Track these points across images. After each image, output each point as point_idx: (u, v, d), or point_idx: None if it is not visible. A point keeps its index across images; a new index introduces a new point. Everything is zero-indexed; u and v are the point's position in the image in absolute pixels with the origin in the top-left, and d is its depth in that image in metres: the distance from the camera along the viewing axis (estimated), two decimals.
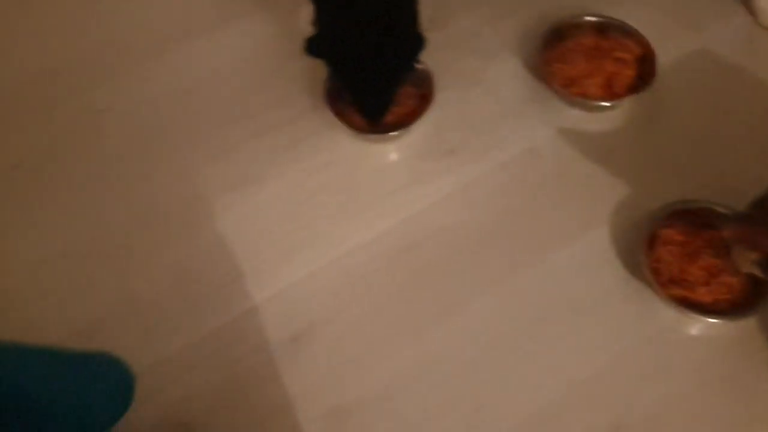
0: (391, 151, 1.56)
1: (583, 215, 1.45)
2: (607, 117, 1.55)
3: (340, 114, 1.53)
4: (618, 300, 1.36)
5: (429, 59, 1.55)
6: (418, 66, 1.55)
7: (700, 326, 1.32)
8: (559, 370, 1.30)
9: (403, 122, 1.52)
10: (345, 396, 1.30)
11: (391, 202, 1.49)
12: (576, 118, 1.56)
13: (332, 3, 1.34)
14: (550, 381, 1.29)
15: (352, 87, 1.46)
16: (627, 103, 1.53)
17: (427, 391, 1.30)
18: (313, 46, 1.39)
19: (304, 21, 1.44)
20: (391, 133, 1.51)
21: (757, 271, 1.16)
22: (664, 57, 1.54)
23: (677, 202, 1.37)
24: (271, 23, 1.77)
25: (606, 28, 1.57)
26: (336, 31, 1.37)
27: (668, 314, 1.33)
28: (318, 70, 1.55)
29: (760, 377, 1.27)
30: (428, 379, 1.31)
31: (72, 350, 1.10)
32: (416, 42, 1.43)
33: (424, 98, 1.55)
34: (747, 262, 1.18)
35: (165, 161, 1.57)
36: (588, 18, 1.58)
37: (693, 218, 1.36)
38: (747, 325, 1.31)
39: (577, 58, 1.55)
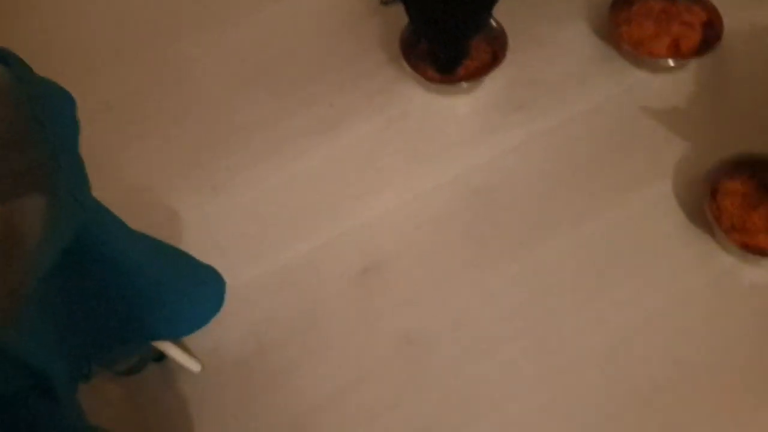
0: (463, 104, 1.65)
1: (647, 168, 1.52)
2: (672, 78, 1.61)
3: (415, 66, 1.62)
4: (680, 245, 1.42)
5: (503, 20, 1.64)
6: (493, 24, 1.64)
7: (759, 272, 1.38)
8: (625, 308, 1.37)
9: (475, 76, 1.61)
10: (413, 323, 1.39)
11: (462, 149, 1.58)
12: (642, 78, 1.63)
13: None
14: (615, 318, 1.36)
15: (428, 35, 1.55)
16: (692, 65, 1.60)
17: (493, 323, 1.38)
18: None
19: None
20: (463, 84, 1.60)
21: None
22: (731, 24, 1.60)
23: (740, 155, 1.43)
24: None
25: None
26: None
27: (728, 260, 1.39)
28: (391, 25, 1.65)
29: None
30: (495, 312, 1.39)
31: (181, 250, 1.20)
32: None
33: (495, 55, 1.63)
34: None
35: (248, 109, 1.67)
36: None
37: (754, 170, 1.42)
38: None
39: (645, 20, 1.62)
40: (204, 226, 1.52)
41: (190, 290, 1.14)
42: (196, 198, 1.55)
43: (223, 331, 1.37)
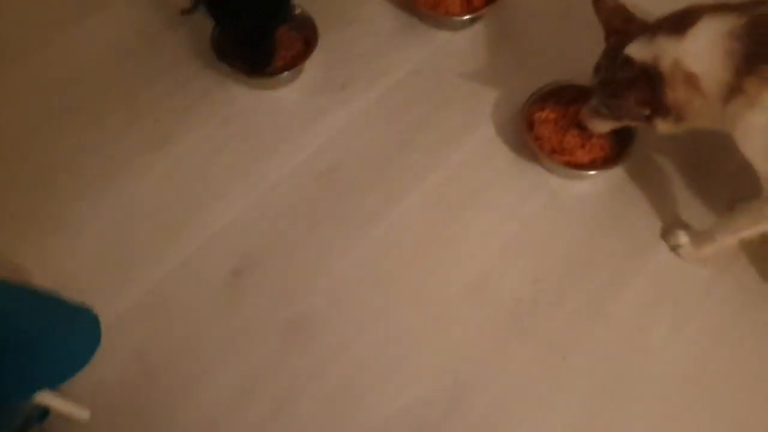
0: (288, 93, 1.68)
1: (469, 116, 1.65)
2: (472, 31, 1.76)
3: (233, 66, 1.63)
4: (514, 176, 1.57)
5: (308, 6, 1.70)
6: (299, 12, 1.69)
7: (583, 184, 1.56)
8: (480, 243, 1.49)
9: (293, 65, 1.65)
10: (295, 311, 1.42)
11: (298, 137, 1.62)
12: (446, 38, 1.75)
13: None
14: (473, 254, 1.48)
15: (235, 34, 1.58)
16: (487, 15, 1.75)
17: (371, 290, 1.44)
18: None
19: None
20: (283, 75, 1.64)
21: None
22: None
23: (544, 86, 1.60)
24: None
25: None
26: None
27: (555, 181, 1.56)
28: (200, 31, 1.65)
29: (636, 215, 1.52)
30: (371, 278, 1.45)
31: (52, 293, 1.13)
32: None
33: (308, 42, 1.68)
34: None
35: (68, 141, 1.60)
36: None
37: (559, 98, 1.59)
38: (618, 174, 1.56)
39: None
40: (53, 272, 1.43)
41: (63, 332, 1.09)
42: (37, 245, 1.47)
43: (105, 367, 1.31)
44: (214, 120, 1.64)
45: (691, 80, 1.20)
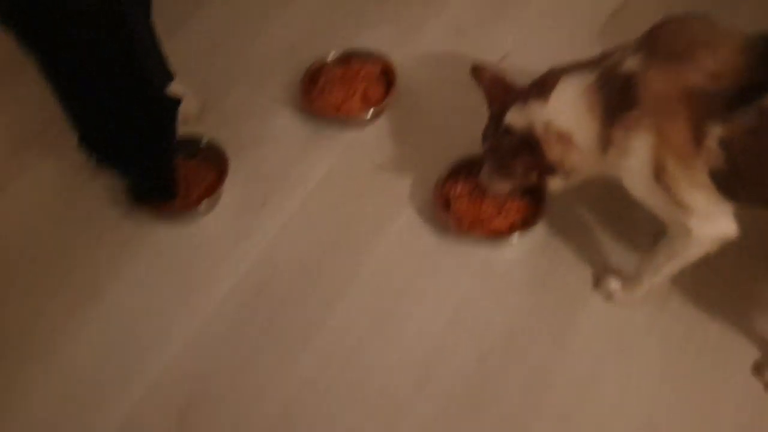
0: (210, 222, 1.70)
1: (389, 207, 1.68)
2: (377, 126, 1.81)
3: (147, 207, 1.67)
4: (442, 257, 1.58)
5: (216, 133, 1.76)
6: (206, 142, 1.74)
7: (510, 250, 1.58)
8: (420, 331, 1.49)
9: (209, 194, 1.69)
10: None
11: (227, 262, 1.63)
12: (353, 136, 1.80)
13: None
14: (415, 344, 1.47)
15: (129, 173, 1.62)
16: (387, 107, 1.80)
17: (320, 402, 1.43)
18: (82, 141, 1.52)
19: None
20: (200, 206, 1.67)
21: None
22: (401, 61, 1.84)
23: (454, 162, 1.64)
24: (59, 159, 1.87)
25: (348, 57, 1.86)
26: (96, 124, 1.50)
27: (483, 252, 1.58)
28: (115, 182, 1.69)
29: (566, 270, 1.53)
30: (317, 391, 1.44)
31: None
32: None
33: (220, 169, 1.72)
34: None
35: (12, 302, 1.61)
36: (330, 56, 1.87)
37: (470, 170, 1.62)
38: (541, 232, 1.58)
39: (333, 87, 1.82)
40: None
41: None
42: None
43: None
44: (142, 263, 1.65)
45: (563, 139, 1.24)
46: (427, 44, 1.96)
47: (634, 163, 1.16)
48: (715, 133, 1.07)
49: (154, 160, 1.57)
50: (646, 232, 1.52)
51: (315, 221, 1.68)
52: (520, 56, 1.88)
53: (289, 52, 1.97)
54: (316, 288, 1.57)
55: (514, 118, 1.30)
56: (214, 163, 1.73)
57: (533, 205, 1.57)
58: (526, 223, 1.55)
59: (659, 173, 1.14)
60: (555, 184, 1.33)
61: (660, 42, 1.14)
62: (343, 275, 1.58)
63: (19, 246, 1.71)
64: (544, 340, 1.45)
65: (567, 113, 1.22)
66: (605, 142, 1.19)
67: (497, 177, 1.43)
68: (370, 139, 1.80)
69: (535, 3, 2.02)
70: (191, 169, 1.70)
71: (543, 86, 1.25)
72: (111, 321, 1.57)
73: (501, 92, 1.38)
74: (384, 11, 2.04)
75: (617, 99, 1.15)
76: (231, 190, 1.72)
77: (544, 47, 1.87)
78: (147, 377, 1.48)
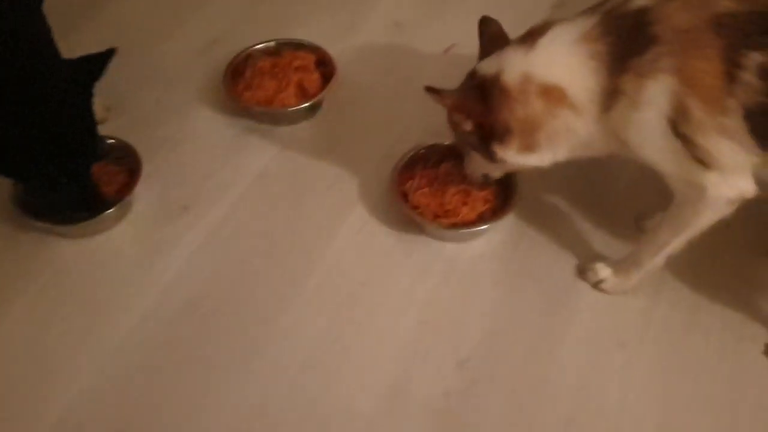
0: (121, 232, 1.42)
1: (337, 206, 1.45)
2: (313, 121, 1.60)
3: (44, 220, 1.36)
4: (403, 257, 1.37)
5: (125, 134, 1.49)
6: (112, 142, 1.46)
7: (480, 242, 1.38)
8: (386, 342, 1.26)
9: (118, 198, 1.41)
10: None
11: (143, 277, 1.35)
12: (288, 132, 1.58)
13: None
14: (381, 357, 1.24)
15: (39, 184, 1.32)
16: (324, 101, 1.60)
17: (279, 417, 1.17)
18: None
19: None
20: (107, 214, 1.38)
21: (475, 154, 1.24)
22: (337, 55, 1.64)
23: (406, 154, 1.44)
24: None
25: (278, 49, 1.65)
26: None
27: (450, 247, 1.38)
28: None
29: (546, 261, 1.35)
30: (274, 411, 1.18)
31: None
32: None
33: (131, 171, 1.45)
34: (473, 164, 1.28)
35: None
36: (257, 47, 1.65)
37: (426, 161, 1.44)
38: (513, 224, 1.40)
39: (263, 80, 1.59)
40: None
41: None
42: None
43: None
44: (38, 284, 1.34)
45: (551, 94, 1.06)
46: (364, 37, 1.79)
47: (648, 115, 1.00)
48: (754, 61, 0.93)
49: (68, 161, 1.28)
50: (625, 216, 1.38)
51: (247, 227, 1.43)
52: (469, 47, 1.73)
53: (209, 48, 1.74)
54: (256, 301, 1.32)
55: (485, 65, 1.13)
56: (123, 165, 1.46)
57: (502, 194, 1.39)
58: (495, 213, 1.36)
59: (680, 123, 0.98)
60: (504, 154, 1.14)
61: None
62: (287, 284, 1.34)
63: None
64: (531, 340, 1.24)
65: (558, 64, 1.05)
66: (611, 96, 1.02)
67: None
68: (307, 135, 1.58)
69: None
70: (97, 172, 1.40)
71: (529, 34, 1.09)
72: (5, 352, 1.25)
73: (496, 48, 1.17)
74: (315, 4, 1.86)
75: (627, 42, 0.99)
76: (145, 195, 1.45)
77: None
78: (50, 417, 1.17)
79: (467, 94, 1.13)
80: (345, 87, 1.64)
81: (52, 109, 1.21)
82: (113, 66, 1.66)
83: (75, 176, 1.29)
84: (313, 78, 1.61)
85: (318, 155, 1.54)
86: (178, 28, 1.82)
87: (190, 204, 1.46)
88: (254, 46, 1.65)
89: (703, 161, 1.00)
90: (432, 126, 1.45)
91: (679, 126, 0.99)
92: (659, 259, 1.21)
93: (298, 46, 1.66)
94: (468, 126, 1.14)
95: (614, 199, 1.43)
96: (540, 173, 1.22)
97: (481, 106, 1.11)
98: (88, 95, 1.28)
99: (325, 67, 1.63)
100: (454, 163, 1.40)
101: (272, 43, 1.66)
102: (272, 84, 1.59)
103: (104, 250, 1.39)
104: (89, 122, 1.29)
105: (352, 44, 1.75)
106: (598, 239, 1.37)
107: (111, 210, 1.39)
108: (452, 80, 1.21)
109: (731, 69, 0.94)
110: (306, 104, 1.57)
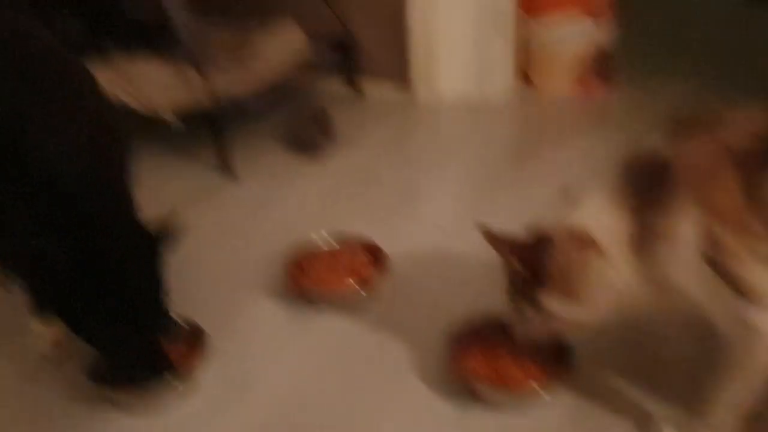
0: (184, 410, 1.45)
1: (392, 384, 1.49)
2: (366, 309, 1.69)
3: (117, 389, 1.43)
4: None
5: (189, 313, 1.60)
6: (179, 321, 1.56)
7: (535, 410, 1.39)
8: None
9: (183, 375, 1.47)
10: None
11: None
12: (343, 316, 1.67)
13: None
14: None
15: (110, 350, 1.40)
16: (377, 289, 1.71)
17: None
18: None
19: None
20: (172, 386, 1.44)
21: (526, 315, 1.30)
22: (391, 246, 1.81)
23: (457, 331, 1.51)
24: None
25: (336, 242, 1.83)
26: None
27: (506, 415, 1.38)
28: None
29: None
30: None
31: None
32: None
33: (196, 350, 1.53)
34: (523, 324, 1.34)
35: None
36: (317, 240, 1.83)
37: (478, 335, 1.50)
38: (565, 390, 1.41)
39: (321, 269, 1.75)
40: None
41: None
42: None
43: None
44: None
45: (584, 240, 1.16)
46: (414, 234, 1.97)
47: (682, 252, 1.08)
48: None
49: (139, 320, 1.36)
50: (683, 380, 1.38)
51: (307, 406, 1.46)
52: None
53: (274, 243, 1.92)
54: None
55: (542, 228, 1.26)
56: (189, 344, 1.55)
57: (556, 362, 1.42)
58: (550, 382, 1.38)
59: (713, 253, 1.05)
60: (550, 302, 1.22)
61: (686, 125, 1.14)
62: None
63: None
64: None
65: (590, 213, 1.18)
66: (643, 239, 1.11)
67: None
68: (362, 319, 1.67)
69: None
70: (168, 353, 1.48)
71: (571, 197, 1.23)
72: None
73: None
74: (369, 206, 2.08)
75: (650, 185, 1.11)
76: (208, 373, 1.51)
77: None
78: None
79: (517, 239, 1.25)
80: (396, 278, 1.76)
81: (128, 269, 1.32)
82: (182, 265, 1.84)
83: (144, 334, 1.37)
84: (368, 268, 1.75)
85: (373, 338, 1.62)
86: (242, 234, 2.03)
87: (251, 383, 1.51)
88: (315, 239, 1.83)
89: (746, 294, 1.05)
90: (476, 309, 1.57)
91: (713, 256, 1.05)
92: (728, 417, 1.17)
93: (355, 238, 1.83)
94: (517, 266, 1.24)
95: (671, 367, 1.45)
96: (594, 335, 1.26)
97: (528, 251, 1.22)
98: (160, 254, 1.39)
99: (378, 258, 1.78)
100: (506, 335, 1.45)
101: (331, 237, 1.84)
102: (330, 272, 1.73)
103: (167, 427, 1.42)
104: (160, 280, 1.39)
105: (401, 242, 1.91)
106: (657, 403, 1.36)
107: (175, 385, 1.44)
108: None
109: (751, 190, 1.02)
110: (361, 291, 1.69)
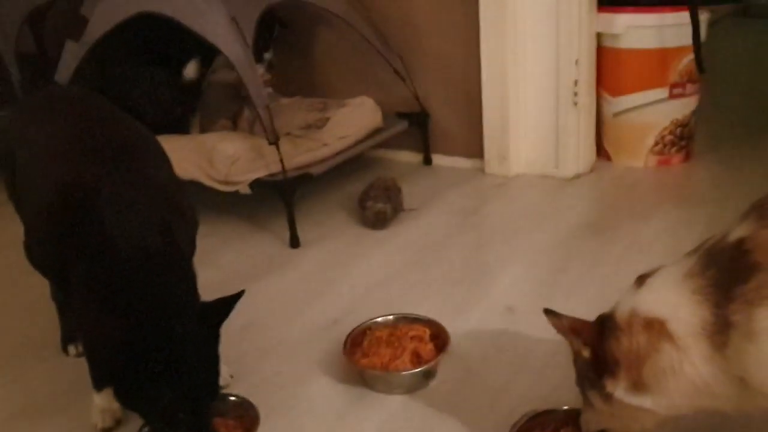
0: None
1: None
2: (425, 390, 1.61)
3: None
4: None
5: (247, 393, 1.57)
6: (234, 399, 1.54)
7: None
8: None
9: None
10: None
11: None
12: (399, 398, 1.60)
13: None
14: None
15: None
16: (438, 371, 1.64)
17: None
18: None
19: None
20: None
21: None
22: (454, 330, 1.72)
23: (519, 420, 1.42)
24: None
25: (395, 322, 1.76)
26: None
27: None
28: None
29: None
30: None
31: None
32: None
33: (249, 429, 1.49)
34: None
35: None
36: (376, 320, 1.76)
37: (541, 428, 1.41)
38: None
39: (379, 348, 1.68)
40: None
41: None
42: None
43: None
44: None
45: (653, 326, 1.08)
46: (478, 316, 1.88)
47: (765, 345, 0.97)
48: None
49: (195, 403, 1.32)
50: None
51: None
52: None
53: (330, 326, 1.88)
54: None
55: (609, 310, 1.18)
56: (241, 423, 1.51)
57: None
58: None
59: None
60: (617, 390, 1.12)
61: None
62: None
63: None
64: None
65: (661, 299, 1.09)
66: (721, 331, 1.01)
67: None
68: (420, 401, 1.58)
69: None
70: (216, 425, 1.45)
71: (640, 277, 1.15)
72: None
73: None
74: (430, 288, 2.02)
75: (729, 273, 1.02)
76: None
77: None
78: None
79: (583, 322, 1.17)
80: (458, 359, 1.68)
81: (185, 349, 1.30)
82: (241, 338, 1.83)
83: (195, 413, 1.33)
84: (428, 348, 1.67)
85: (431, 421, 1.53)
86: (303, 308, 1.99)
87: None
88: (373, 319, 1.77)
89: None
90: (544, 398, 1.47)
91: None
92: None
93: (414, 320, 1.76)
94: (583, 350, 1.16)
95: None
96: None
97: (593, 333, 1.15)
98: (216, 335, 1.37)
99: (439, 339, 1.69)
100: (571, 428, 1.36)
101: (390, 317, 1.77)
102: (388, 351, 1.66)
103: None
104: (214, 360, 1.36)
105: (466, 322, 1.84)
106: None
107: None
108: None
109: None
110: (419, 369, 1.61)
